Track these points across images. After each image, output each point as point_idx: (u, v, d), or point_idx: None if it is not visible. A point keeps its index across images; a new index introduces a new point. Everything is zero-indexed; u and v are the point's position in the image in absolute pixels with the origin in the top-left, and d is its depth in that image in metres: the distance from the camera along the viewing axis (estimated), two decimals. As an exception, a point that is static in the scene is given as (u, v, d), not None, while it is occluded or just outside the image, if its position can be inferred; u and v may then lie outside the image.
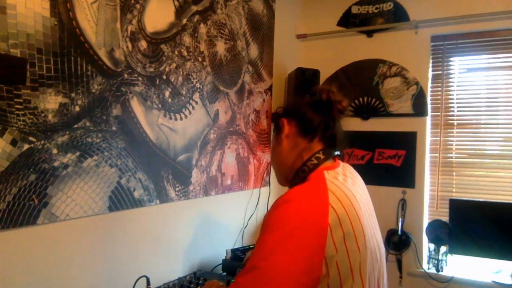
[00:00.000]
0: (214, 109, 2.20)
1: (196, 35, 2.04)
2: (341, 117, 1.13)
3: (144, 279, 1.62)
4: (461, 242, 2.53)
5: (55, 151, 1.39)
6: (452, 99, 2.75)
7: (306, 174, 1.06)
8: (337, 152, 1.12)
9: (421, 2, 2.78)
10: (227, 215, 2.35)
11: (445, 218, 2.62)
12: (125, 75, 1.66)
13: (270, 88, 2.73)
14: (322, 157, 1.07)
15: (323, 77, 2.91)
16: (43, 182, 1.35)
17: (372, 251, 0.98)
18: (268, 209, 0.98)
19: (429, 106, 2.77)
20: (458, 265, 2.66)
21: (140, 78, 1.73)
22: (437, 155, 2.75)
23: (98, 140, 1.55)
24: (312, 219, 0.89)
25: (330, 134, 1.11)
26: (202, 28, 2.08)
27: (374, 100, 2.91)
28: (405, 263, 2.78)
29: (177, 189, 1.95)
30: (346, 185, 1.01)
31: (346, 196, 0.97)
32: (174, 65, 1.91)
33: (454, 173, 2.72)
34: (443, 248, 2.66)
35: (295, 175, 1.10)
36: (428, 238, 2.66)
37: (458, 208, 2.56)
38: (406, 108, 2.82)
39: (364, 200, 1.08)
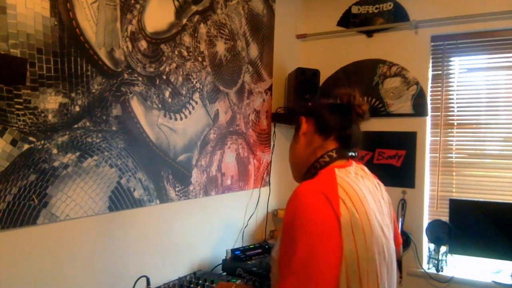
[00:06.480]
0: (214, 109, 2.20)
1: (196, 35, 2.04)
2: (360, 120, 1.17)
3: (144, 279, 1.62)
4: (461, 242, 2.53)
5: (55, 151, 1.39)
6: (452, 99, 2.75)
7: (317, 170, 1.09)
8: (351, 153, 1.14)
9: (421, 2, 2.78)
10: (227, 215, 2.35)
11: (445, 218, 2.62)
12: (125, 75, 1.66)
13: (270, 88, 2.73)
14: (334, 155, 1.10)
15: (323, 77, 2.91)
16: (43, 182, 1.35)
17: (380, 249, 0.99)
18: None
19: (429, 106, 2.77)
20: (458, 265, 2.65)
21: (140, 78, 1.73)
22: (437, 155, 2.75)
23: (98, 140, 1.55)
24: (323, 214, 0.92)
25: (346, 135, 1.13)
26: (202, 28, 2.08)
27: (374, 100, 2.91)
28: (405, 263, 2.77)
29: (177, 189, 1.95)
30: (357, 182, 1.03)
31: (355, 192, 0.99)
32: (174, 65, 1.91)
33: (454, 173, 2.72)
34: (443, 248, 2.65)
35: (307, 171, 1.13)
36: (428, 238, 2.66)
37: (458, 208, 2.56)
38: (406, 108, 2.82)
39: (376, 199, 1.09)
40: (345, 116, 1.14)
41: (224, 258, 2.13)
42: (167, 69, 1.87)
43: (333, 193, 0.95)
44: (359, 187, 1.02)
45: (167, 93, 1.88)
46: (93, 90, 1.53)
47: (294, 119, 1.25)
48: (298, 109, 1.26)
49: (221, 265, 2.11)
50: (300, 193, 0.96)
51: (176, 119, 1.93)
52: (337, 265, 0.90)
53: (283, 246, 0.96)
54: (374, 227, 0.98)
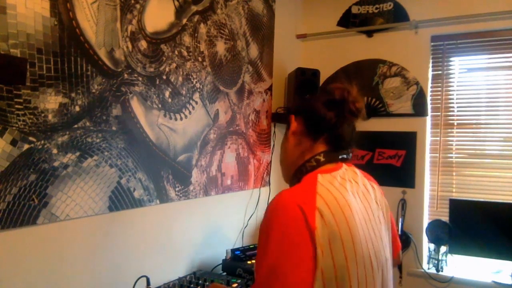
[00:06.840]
0: (214, 109, 2.20)
1: (196, 35, 2.04)
2: (354, 119, 1.07)
3: (144, 279, 1.62)
4: (461, 242, 2.53)
5: (55, 151, 1.39)
6: (452, 99, 2.75)
7: (302, 175, 1.04)
8: (342, 156, 1.07)
9: (421, 2, 2.78)
10: (227, 215, 2.35)
11: (445, 218, 2.62)
12: (125, 75, 1.66)
13: (270, 88, 2.73)
14: (322, 159, 1.04)
15: (323, 77, 2.91)
16: (43, 182, 1.35)
17: (365, 259, 0.94)
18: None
19: (429, 106, 2.77)
20: (458, 265, 2.65)
21: (140, 78, 1.73)
22: (437, 155, 2.75)
23: (98, 140, 1.55)
24: (295, 228, 0.89)
25: (337, 135, 1.06)
26: (202, 28, 2.08)
27: (374, 100, 2.91)
28: (405, 263, 2.77)
29: (177, 189, 1.95)
30: (341, 190, 0.98)
31: (337, 200, 0.94)
32: (174, 65, 1.91)
33: (454, 173, 2.72)
34: (443, 248, 2.65)
35: (294, 174, 1.08)
36: (428, 238, 2.66)
37: (458, 208, 2.56)
38: (406, 108, 2.82)
39: (366, 205, 1.03)
40: (337, 114, 1.05)
41: (224, 258, 2.13)
42: (167, 69, 1.87)
43: (310, 204, 0.90)
44: (342, 194, 0.96)
45: (167, 93, 1.88)
46: (93, 90, 1.53)
47: (285, 118, 1.19)
48: (290, 107, 1.18)
49: (221, 265, 2.11)
50: (276, 204, 0.93)
51: (176, 119, 1.93)
52: (307, 279, 0.86)
53: (257, 256, 0.93)
54: (357, 236, 0.93)
